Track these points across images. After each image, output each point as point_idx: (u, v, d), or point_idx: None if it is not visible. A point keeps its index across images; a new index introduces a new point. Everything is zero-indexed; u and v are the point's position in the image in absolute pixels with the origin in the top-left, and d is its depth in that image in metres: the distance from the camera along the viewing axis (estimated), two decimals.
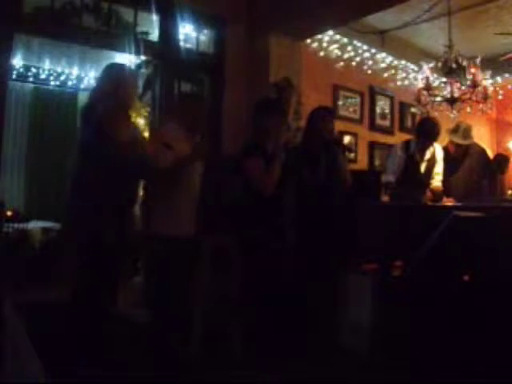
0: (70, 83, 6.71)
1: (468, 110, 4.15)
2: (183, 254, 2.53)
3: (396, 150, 3.71)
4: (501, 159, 4.30)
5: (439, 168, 3.70)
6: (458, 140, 3.84)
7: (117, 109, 2.38)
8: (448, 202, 3.58)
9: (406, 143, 3.70)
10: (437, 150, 3.70)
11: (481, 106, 3.98)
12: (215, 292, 2.92)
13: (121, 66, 2.72)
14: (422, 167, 3.66)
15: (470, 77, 3.94)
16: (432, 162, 3.68)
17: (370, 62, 5.49)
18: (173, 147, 2.46)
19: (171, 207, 2.56)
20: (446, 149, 3.93)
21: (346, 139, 5.20)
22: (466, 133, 3.87)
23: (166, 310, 2.49)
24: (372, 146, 5.57)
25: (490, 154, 4.87)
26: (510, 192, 5.28)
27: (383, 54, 5.60)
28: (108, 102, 2.35)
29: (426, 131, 3.58)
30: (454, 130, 3.88)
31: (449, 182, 3.76)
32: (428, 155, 3.66)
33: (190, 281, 2.65)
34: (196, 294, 2.74)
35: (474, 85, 3.89)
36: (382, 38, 5.45)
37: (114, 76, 2.48)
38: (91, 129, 2.30)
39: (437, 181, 3.68)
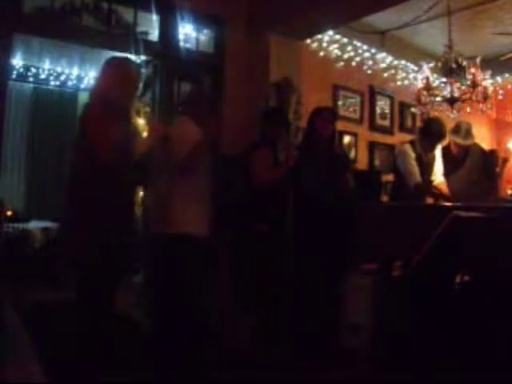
0: (70, 83, 6.72)
1: (468, 109, 4.15)
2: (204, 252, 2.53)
3: (407, 150, 3.68)
4: (494, 156, 4.28)
5: (439, 164, 3.72)
6: (460, 141, 3.84)
7: (116, 107, 2.26)
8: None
9: (412, 143, 3.71)
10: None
11: (481, 105, 3.98)
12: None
13: (122, 60, 2.57)
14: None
15: (469, 77, 3.93)
16: (432, 160, 3.70)
17: (370, 62, 5.49)
18: (171, 139, 2.48)
19: (193, 205, 2.52)
20: (447, 148, 3.93)
21: (346, 139, 5.21)
22: (468, 133, 3.87)
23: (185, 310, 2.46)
24: (372, 146, 5.57)
25: None
26: (509, 192, 5.28)
27: (383, 54, 5.60)
28: (108, 100, 2.24)
29: (434, 132, 3.58)
30: (456, 131, 3.87)
31: (449, 181, 3.76)
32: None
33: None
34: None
35: (474, 85, 3.89)
36: (382, 38, 5.45)
37: (116, 71, 2.35)
38: (81, 130, 2.25)
39: (439, 177, 3.70)
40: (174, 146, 2.50)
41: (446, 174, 3.78)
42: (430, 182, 3.73)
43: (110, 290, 2.37)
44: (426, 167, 3.66)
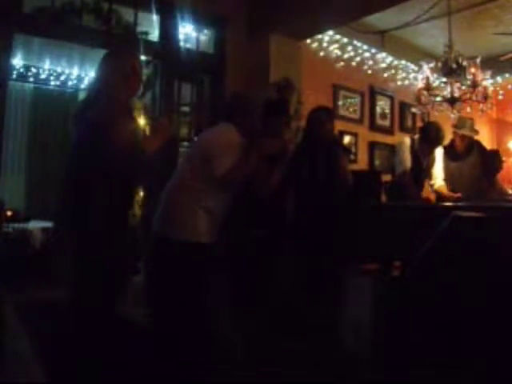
0: (70, 83, 6.72)
1: (468, 109, 4.15)
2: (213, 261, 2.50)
3: (406, 142, 3.70)
4: (497, 157, 4.27)
5: (438, 167, 3.72)
6: (466, 132, 3.86)
7: (120, 103, 2.16)
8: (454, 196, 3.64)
9: (412, 141, 3.72)
10: (436, 150, 3.72)
11: (481, 105, 3.98)
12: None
13: (126, 54, 2.38)
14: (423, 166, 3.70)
15: (470, 77, 3.93)
16: (431, 161, 3.71)
17: (370, 62, 5.49)
18: (177, 141, 2.41)
19: (215, 214, 2.43)
20: (452, 143, 3.96)
21: (346, 139, 5.21)
22: (472, 126, 3.91)
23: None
24: (372, 145, 5.57)
25: None
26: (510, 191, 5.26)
27: (383, 54, 5.61)
28: (110, 95, 2.13)
29: (431, 137, 3.61)
30: (461, 125, 3.89)
31: (452, 175, 3.79)
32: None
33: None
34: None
35: (474, 85, 3.89)
36: (382, 38, 5.45)
37: (116, 64, 2.21)
38: (89, 129, 2.18)
39: (440, 180, 3.71)
40: (213, 155, 2.36)
41: (449, 170, 3.79)
42: (430, 186, 3.76)
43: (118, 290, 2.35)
44: (422, 165, 3.67)
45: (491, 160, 4.10)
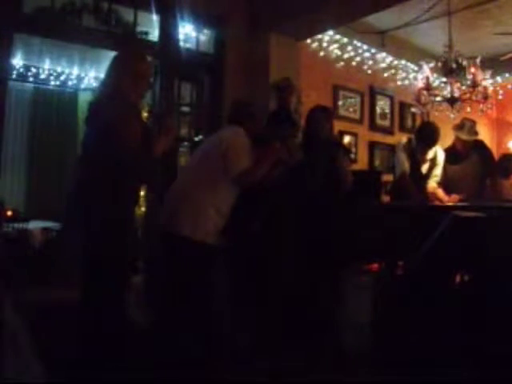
0: (70, 83, 6.73)
1: (468, 109, 4.15)
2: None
3: (402, 147, 3.72)
4: (507, 160, 4.24)
5: (438, 170, 3.74)
6: (464, 136, 3.86)
7: (130, 104, 2.19)
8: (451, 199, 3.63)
9: (409, 141, 3.73)
10: (438, 152, 3.73)
11: (481, 105, 3.98)
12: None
13: (132, 55, 2.42)
14: (425, 167, 3.70)
15: (470, 77, 3.94)
16: (433, 162, 3.72)
17: (370, 62, 5.49)
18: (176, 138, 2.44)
19: (223, 214, 2.52)
20: (453, 146, 3.96)
21: (346, 139, 5.21)
22: (471, 129, 3.89)
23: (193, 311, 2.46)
24: (372, 145, 5.57)
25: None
26: None
27: (383, 54, 5.61)
28: (121, 96, 2.16)
29: (426, 136, 3.63)
30: (460, 127, 3.89)
31: (453, 174, 3.80)
32: (431, 155, 3.69)
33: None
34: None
35: (474, 85, 3.90)
36: (382, 38, 5.46)
37: (127, 66, 2.27)
38: (101, 130, 2.19)
39: (433, 181, 3.73)
40: (231, 155, 2.46)
41: (452, 172, 3.81)
42: (421, 181, 3.75)
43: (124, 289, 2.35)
44: (419, 165, 3.69)
45: (491, 160, 4.09)
